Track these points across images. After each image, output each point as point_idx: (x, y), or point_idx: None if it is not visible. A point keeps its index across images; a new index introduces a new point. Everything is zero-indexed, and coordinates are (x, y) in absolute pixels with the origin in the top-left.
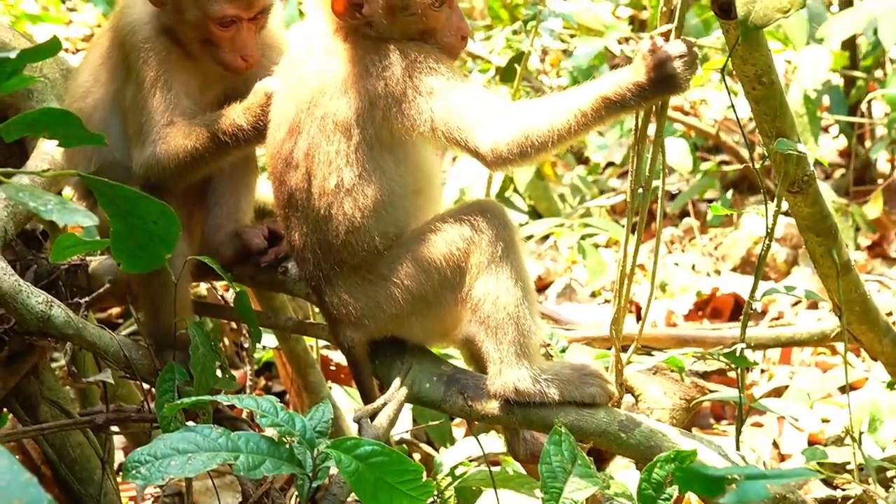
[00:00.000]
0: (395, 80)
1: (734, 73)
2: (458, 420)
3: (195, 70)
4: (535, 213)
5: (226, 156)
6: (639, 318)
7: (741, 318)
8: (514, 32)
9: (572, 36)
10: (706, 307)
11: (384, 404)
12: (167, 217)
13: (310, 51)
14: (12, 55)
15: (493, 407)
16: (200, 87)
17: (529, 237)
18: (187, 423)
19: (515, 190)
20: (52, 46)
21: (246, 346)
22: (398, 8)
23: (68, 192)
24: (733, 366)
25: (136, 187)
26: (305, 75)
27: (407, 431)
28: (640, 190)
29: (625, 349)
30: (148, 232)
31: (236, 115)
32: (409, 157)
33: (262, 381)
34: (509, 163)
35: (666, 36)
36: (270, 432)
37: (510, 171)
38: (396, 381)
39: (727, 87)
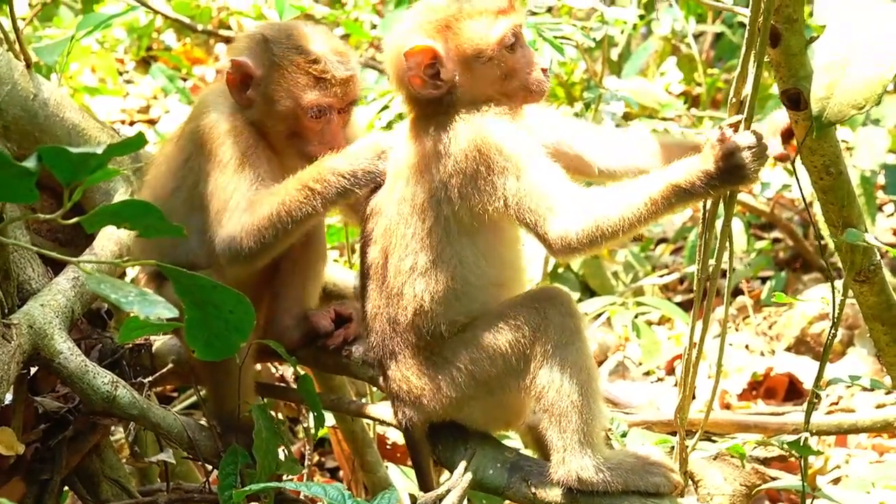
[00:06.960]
0: (464, 156)
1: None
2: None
3: (279, 165)
4: (587, 290)
5: (313, 213)
6: (694, 398)
7: (801, 402)
8: (576, 115)
9: (626, 116)
10: (760, 387)
11: (447, 491)
12: (243, 306)
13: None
14: (99, 150)
15: (556, 494)
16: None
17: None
18: None
19: (569, 267)
20: (138, 141)
21: (304, 424)
22: (472, 58)
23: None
24: (795, 453)
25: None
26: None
27: None
28: (705, 275)
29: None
30: (224, 320)
31: (332, 159)
32: (491, 248)
33: (316, 457)
34: (577, 252)
35: (735, 127)
36: None
37: (574, 259)
38: (461, 467)
39: (796, 175)
